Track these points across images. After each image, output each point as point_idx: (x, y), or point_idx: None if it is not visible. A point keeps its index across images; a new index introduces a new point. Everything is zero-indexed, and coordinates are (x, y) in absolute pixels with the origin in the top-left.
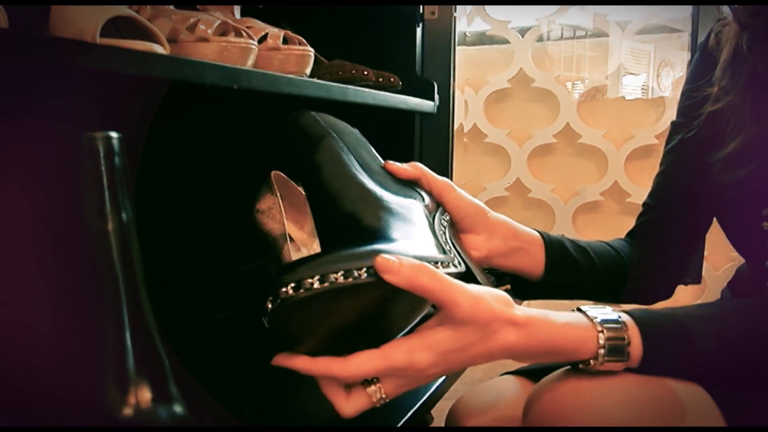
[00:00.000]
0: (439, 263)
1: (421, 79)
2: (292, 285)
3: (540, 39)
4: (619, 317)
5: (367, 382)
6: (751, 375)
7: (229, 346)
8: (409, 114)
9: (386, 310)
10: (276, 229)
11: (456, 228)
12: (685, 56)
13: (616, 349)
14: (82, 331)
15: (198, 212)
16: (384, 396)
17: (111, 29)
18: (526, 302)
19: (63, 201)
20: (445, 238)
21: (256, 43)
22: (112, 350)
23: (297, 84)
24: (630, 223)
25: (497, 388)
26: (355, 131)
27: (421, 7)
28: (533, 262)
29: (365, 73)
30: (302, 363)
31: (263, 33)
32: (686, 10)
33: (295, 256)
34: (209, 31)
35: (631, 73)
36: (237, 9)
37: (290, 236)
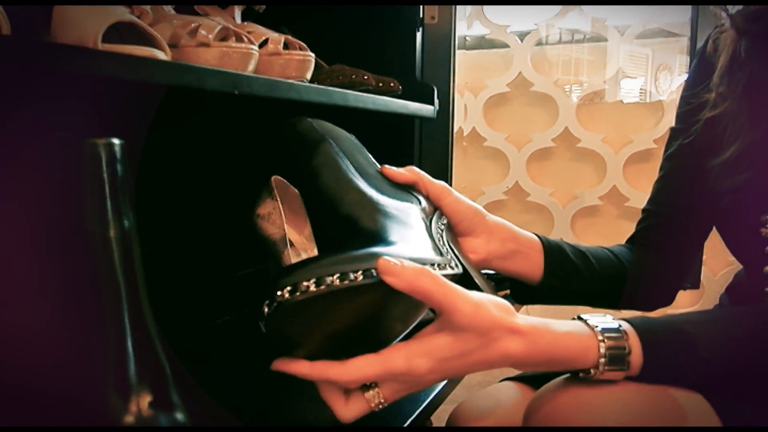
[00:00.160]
0: (436, 265)
1: (421, 84)
2: (288, 288)
3: (539, 43)
4: (620, 326)
5: (365, 387)
6: (751, 382)
7: (229, 350)
8: (409, 118)
9: (383, 312)
10: (276, 233)
11: (454, 231)
12: (684, 60)
13: (617, 358)
14: (84, 338)
15: (197, 216)
16: (382, 401)
17: (112, 34)
18: (524, 308)
19: (65, 208)
20: (442, 241)
21: (257, 48)
22: (114, 357)
23: (298, 89)
24: (629, 227)
25: (497, 395)
26: (352, 137)
27: (421, 11)
28: (532, 266)
29: (365, 77)
30: (301, 367)
31: (264, 38)
32: (685, 15)
33: (294, 260)
34: (210, 36)
35: (629, 77)
36: (238, 13)
37: (290, 241)
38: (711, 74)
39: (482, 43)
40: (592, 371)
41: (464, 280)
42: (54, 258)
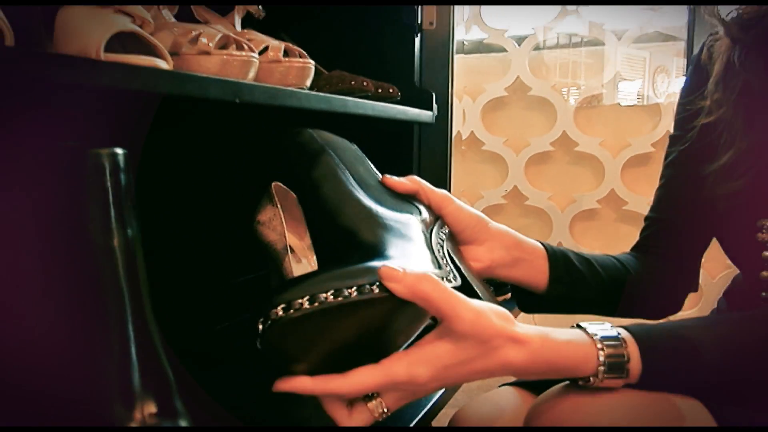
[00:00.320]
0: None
1: (420, 90)
2: (282, 306)
3: (537, 47)
4: (618, 334)
5: (367, 397)
6: (749, 388)
7: (231, 355)
8: (408, 124)
9: (381, 327)
10: (276, 240)
11: (457, 240)
12: (681, 63)
13: (616, 366)
14: (88, 347)
15: (198, 222)
16: (385, 410)
17: (115, 44)
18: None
19: (68, 217)
20: (442, 253)
21: (257, 55)
22: (118, 365)
23: (298, 97)
24: (627, 230)
25: (496, 400)
26: (353, 147)
27: (420, 17)
28: (537, 273)
29: (364, 84)
30: (302, 384)
31: (264, 45)
32: (682, 19)
33: (295, 266)
34: (211, 45)
35: (627, 80)
36: (238, 20)
37: (291, 247)
38: (706, 81)
39: (480, 48)
40: (591, 379)
41: (465, 290)
42: (58, 267)
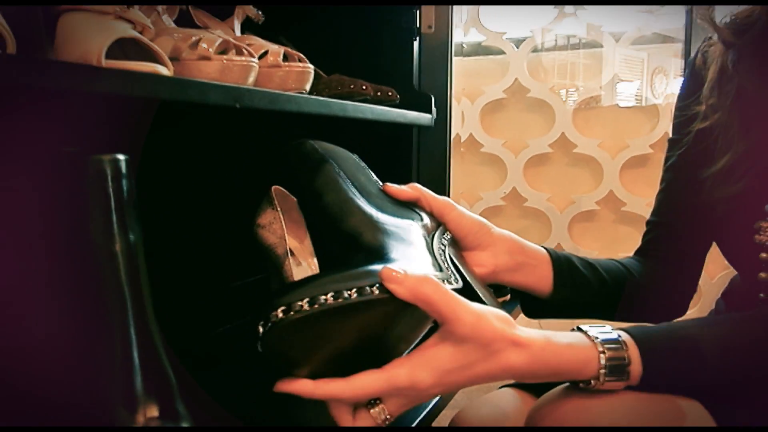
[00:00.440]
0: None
1: (419, 93)
2: (282, 308)
3: (535, 49)
4: (619, 336)
5: (370, 403)
6: (749, 389)
7: (232, 358)
8: (407, 127)
9: (383, 330)
10: (277, 243)
11: (460, 246)
12: (679, 63)
13: (617, 369)
14: (91, 350)
15: (197, 226)
16: (388, 416)
17: (115, 50)
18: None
19: (71, 223)
20: (443, 257)
21: (256, 60)
22: (120, 369)
23: (297, 101)
24: (626, 231)
25: (497, 402)
26: (354, 156)
27: (418, 21)
28: (541, 278)
29: (363, 87)
30: (304, 387)
31: (263, 50)
32: (680, 21)
33: (295, 269)
34: (211, 50)
35: (625, 81)
36: (237, 25)
37: (291, 250)
38: (701, 86)
39: (478, 50)
40: (592, 382)
41: (468, 294)
42: (61, 271)
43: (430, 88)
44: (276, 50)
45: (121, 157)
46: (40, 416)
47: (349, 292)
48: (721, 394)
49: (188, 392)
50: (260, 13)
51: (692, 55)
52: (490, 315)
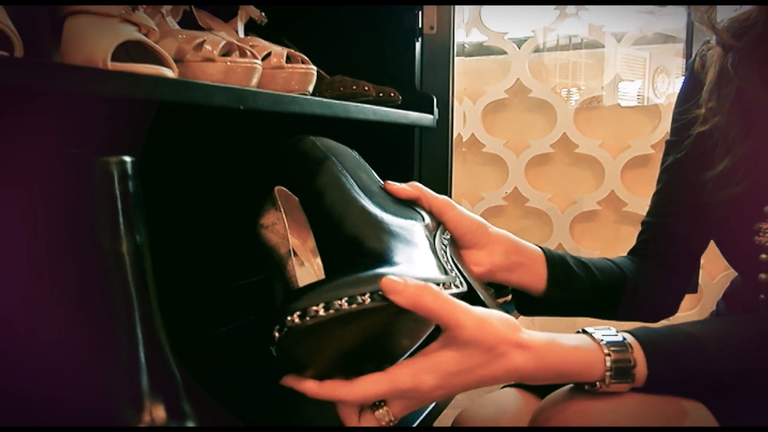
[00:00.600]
0: (441, 284)
1: (421, 94)
2: (298, 313)
3: (537, 50)
4: (624, 339)
5: (375, 405)
6: (755, 389)
7: (234, 357)
8: (410, 128)
9: (390, 331)
10: (280, 243)
11: (457, 245)
12: (681, 63)
13: (623, 371)
14: (98, 350)
15: (199, 226)
16: (392, 418)
17: (120, 52)
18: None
19: (78, 224)
20: (447, 258)
21: (260, 62)
22: (127, 369)
23: (301, 103)
24: (627, 231)
25: (499, 402)
26: (354, 153)
27: (420, 21)
28: (535, 277)
29: (366, 88)
30: (310, 387)
31: (267, 52)
32: (681, 21)
33: (298, 270)
34: (215, 52)
35: (627, 80)
36: (240, 26)
37: (294, 250)
38: (700, 90)
39: (480, 50)
40: (598, 384)
41: (468, 295)
42: (68, 272)
43: (431, 88)
44: (279, 52)
45: (127, 158)
46: (48, 416)
47: (362, 297)
48: (726, 395)
49: (190, 392)
50: (263, 14)
51: (693, 56)
52: (493, 319)
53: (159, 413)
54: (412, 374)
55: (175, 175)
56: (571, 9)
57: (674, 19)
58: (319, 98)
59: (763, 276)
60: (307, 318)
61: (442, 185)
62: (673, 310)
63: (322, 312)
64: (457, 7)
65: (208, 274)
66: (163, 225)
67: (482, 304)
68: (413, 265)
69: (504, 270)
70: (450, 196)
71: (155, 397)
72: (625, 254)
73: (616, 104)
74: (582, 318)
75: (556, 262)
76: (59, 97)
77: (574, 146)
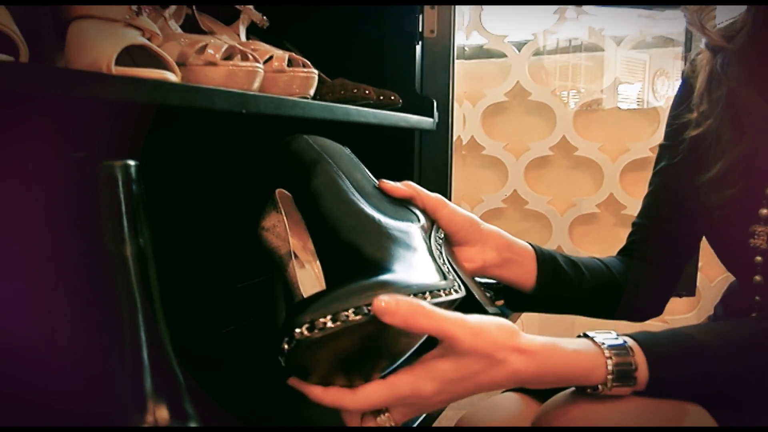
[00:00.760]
0: (441, 290)
1: (421, 97)
2: (306, 326)
3: (536, 53)
4: (625, 342)
5: (377, 412)
6: (756, 392)
7: (235, 358)
8: (410, 131)
9: (394, 336)
10: (280, 245)
11: (450, 241)
12: (680, 66)
13: (624, 374)
14: (101, 352)
15: (200, 229)
16: (393, 424)
17: (124, 56)
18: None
19: (82, 228)
20: (443, 260)
21: (261, 66)
22: (130, 370)
23: (302, 107)
24: (626, 234)
25: (500, 406)
26: (347, 151)
27: (421, 25)
28: (525, 274)
29: (366, 92)
30: (314, 392)
31: (268, 55)
32: (680, 24)
33: (299, 272)
34: (217, 55)
35: (627, 83)
36: (242, 30)
37: (294, 253)
38: (692, 94)
39: (480, 53)
40: (599, 387)
41: (465, 297)
42: (72, 275)
43: (432, 92)
44: (281, 55)
45: (131, 162)
46: (51, 416)
47: (368, 308)
48: (728, 399)
49: (192, 393)
50: (265, 18)
51: (691, 58)
52: (490, 326)
53: (162, 414)
54: (412, 382)
55: (176, 178)
56: (571, 12)
57: (673, 23)
58: (321, 102)
59: (757, 278)
60: (316, 330)
61: (442, 188)
62: (657, 311)
63: (330, 324)
64: (457, 10)
65: (210, 277)
66: (165, 227)
67: (475, 301)
68: (412, 271)
69: (495, 266)
70: (450, 199)
71: (158, 397)
72: (618, 248)
73: (615, 107)
74: (581, 319)
75: (545, 260)
76: (64, 102)
77: (574, 149)
